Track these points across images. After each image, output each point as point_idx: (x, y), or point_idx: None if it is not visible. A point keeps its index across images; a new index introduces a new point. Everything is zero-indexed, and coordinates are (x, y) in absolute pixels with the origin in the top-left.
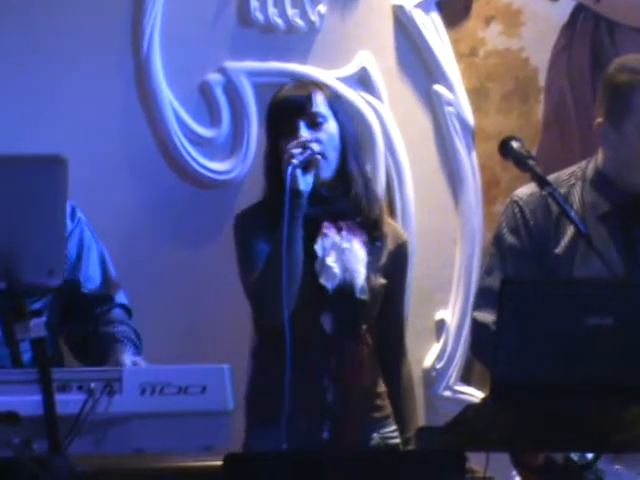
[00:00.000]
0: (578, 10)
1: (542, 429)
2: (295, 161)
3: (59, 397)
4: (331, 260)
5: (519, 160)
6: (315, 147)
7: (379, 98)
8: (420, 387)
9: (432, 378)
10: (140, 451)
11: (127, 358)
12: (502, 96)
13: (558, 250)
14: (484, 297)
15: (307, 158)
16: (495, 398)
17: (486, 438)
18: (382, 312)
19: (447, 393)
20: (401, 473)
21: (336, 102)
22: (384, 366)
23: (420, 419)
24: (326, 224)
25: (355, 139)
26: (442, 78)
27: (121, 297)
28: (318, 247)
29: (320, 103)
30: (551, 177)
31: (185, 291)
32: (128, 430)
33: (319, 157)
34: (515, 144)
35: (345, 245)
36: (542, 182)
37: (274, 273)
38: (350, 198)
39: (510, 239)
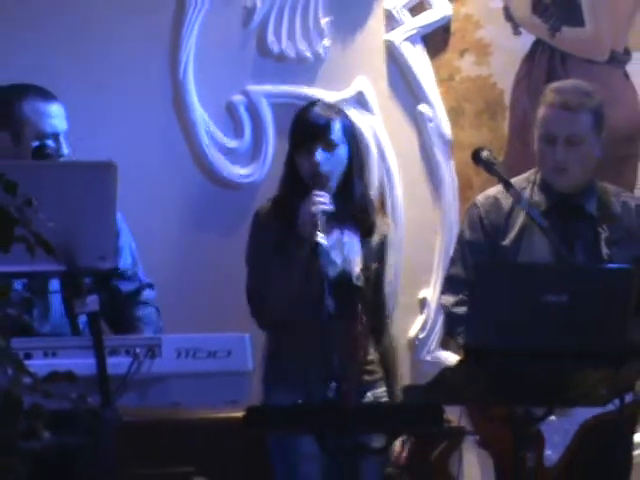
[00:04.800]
0: (537, 43)
1: (506, 387)
2: (319, 222)
3: (109, 360)
4: (334, 253)
5: (488, 167)
6: (326, 206)
7: (373, 115)
8: (406, 352)
9: (416, 345)
10: (176, 405)
11: None
12: (475, 114)
13: (505, 242)
14: (448, 283)
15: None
16: (468, 362)
17: (460, 394)
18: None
19: (428, 357)
20: (391, 422)
21: (349, 128)
22: (373, 336)
23: (402, 380)
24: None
25: (360, 159)
26: (425, 99)
27: (143, 275)
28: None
29: (337, 130)
30: (512, 180)
31: (212, 273)
32: (166, 387)
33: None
34: (485, 153)
35: (345, 239)
36: (507, 185)
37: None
38: (351, 207)
39: (468, 235)
